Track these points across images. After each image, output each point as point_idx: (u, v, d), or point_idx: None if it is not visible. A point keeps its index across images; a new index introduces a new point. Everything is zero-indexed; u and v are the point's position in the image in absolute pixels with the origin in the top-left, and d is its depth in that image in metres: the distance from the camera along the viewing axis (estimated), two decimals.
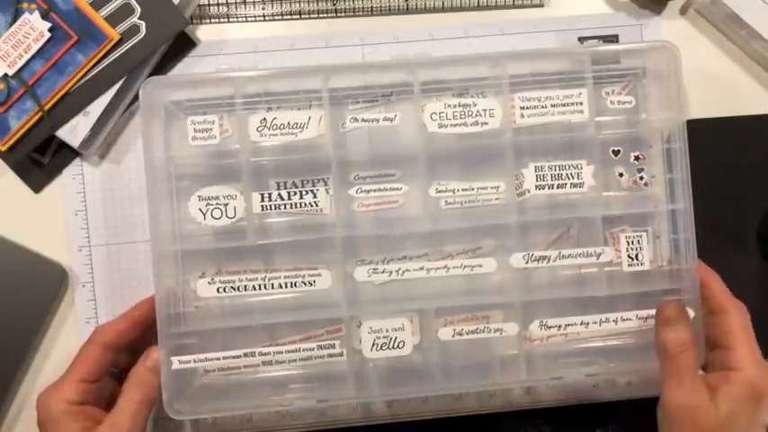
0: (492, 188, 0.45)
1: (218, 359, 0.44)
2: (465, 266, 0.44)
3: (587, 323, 0.45)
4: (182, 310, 0.45)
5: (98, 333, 0.43)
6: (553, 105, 0.45)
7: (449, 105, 0.44)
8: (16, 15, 0.45)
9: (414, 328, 0.45)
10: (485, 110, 0.45)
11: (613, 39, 0.50)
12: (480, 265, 0.44)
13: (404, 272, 0.45)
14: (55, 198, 0.49)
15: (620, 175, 0.47)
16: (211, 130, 0.45)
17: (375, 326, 0.44)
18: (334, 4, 0.50)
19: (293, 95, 0.46)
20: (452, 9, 0.50)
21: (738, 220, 0.50)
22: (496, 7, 0.50)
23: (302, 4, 0.50)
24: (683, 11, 0.51)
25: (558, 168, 0.45)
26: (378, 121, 0.45)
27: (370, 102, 0.47)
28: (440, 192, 0.45)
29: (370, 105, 0.47)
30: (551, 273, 0.46)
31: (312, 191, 0.45)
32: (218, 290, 0.44)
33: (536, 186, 0.45)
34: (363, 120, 0.45)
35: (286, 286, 0.44)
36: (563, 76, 0.46)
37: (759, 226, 0.50)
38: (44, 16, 0.45)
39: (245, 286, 0.44)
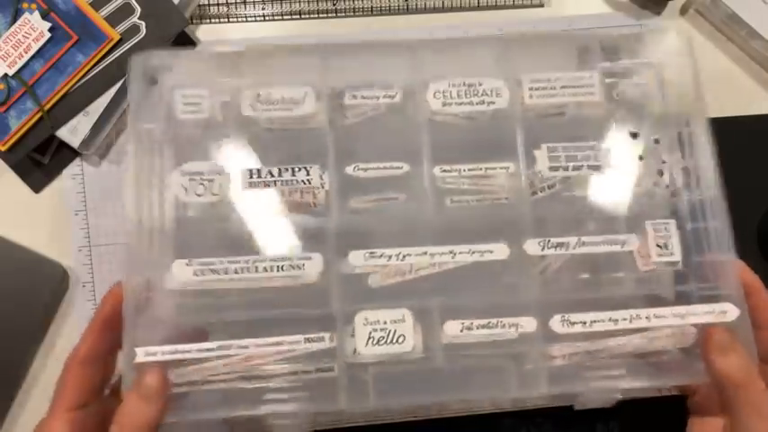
0: (501, 168, 0.41)
1: (190, 351, 0.38)
2: (474, 252, 0.39)
3: (616, 319, 0.39)
4: (153, 296, 0.39)
5: (71, 354, 0.37)
6: (563, 87, 0.42)
7: (453, 84, 0.42)
8: (16, 15, 0.45)
9: (417, 324, 0.39)
10: (491, 89, 0.42)
11: None
12: (491, 251, 0.39)
13: (404, 256, 0.39)
14: (55, 198, 0.49)
15: (641, 158, 0.43)
16: (200, 103, 0.42)
17: (371, 316, 0.38)
18: (334, 4, 0.50)
19: (290, 72, 0.43)
20: (452, 9, 0.50)
21: (738, 220, 0.50)
22: (496, 7, 0.50)
23: (302, 4, 0.50)
24: (683, 11, 0.51)
25: (573, 150, 0.42)
26: (378, 98, 0.42)
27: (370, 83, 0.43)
28: (445, 171, 0.41)
29: (371, 85, 0.43)
30: (572, 267, 0.41)
31: (305, 167, 0.41)
32: (195, 273, 0.39)
33: (549, 168, 0.41)
34: (363, 97, 0.42)
35: (272, 270, 0.39)
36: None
37: (759, 226, 0.50)
38: (44, 16, 0.45)
39: (226, 269, 0.39)
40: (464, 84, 0.42)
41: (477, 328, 0.39)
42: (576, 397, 0.41)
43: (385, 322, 0.39)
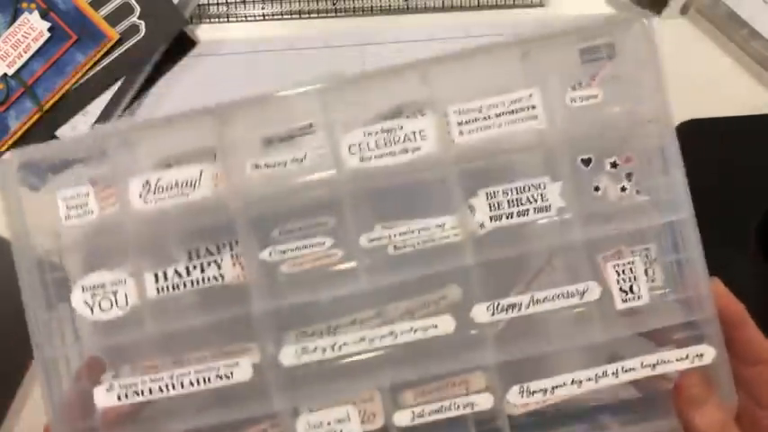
0: (437, 227, 0.35)
1: None
2: (416, 330, 0.35)
3: (580, 381, 0.35)
4: (84, 425, 0.36)
5: None
6: (498, 115, 0.36)
7: (369, 134, 0.35)
8: (16, 15, 0.45)
9: (363, 414, 0.35)
10: (414, 132, 0.35)
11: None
12: (435, 326, 0.35)
13: (341, 347, 0.35)
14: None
15: (596, 189, 0.37)
16: (86, 204, 0.36)
17: (313, 419, 0.35)
18: (334, 4, 0.50)
19: (181, 146, 0.37)
20: (452, 9, 0.50)
21: (738, 220, 0.50)
22: (496, 7, 0.50)
23: (302, 4, 0.50)
24: (684, 11, 0.51)
25: (515, 192, 0.36)
26: (285, 164, 0.36)
27: (271, 144, 0.37)
28: (373, 241, 0.36)
29: (274, 146, 0.37)
30: (529, 322, 0.36)
31: (216, 261, 0.36)
32: (118, 397, 0.36)
33: (491, 218, 0.36)
34: (267, 165, 0.36)
35: (198, 383, 0.35)
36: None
37: (759, 226, 0.50)
38: (43, 16, 0.45)
39: (150, 389, 0.35)
40: (381, 130, 0.36)
41: (430, 414, 0.35)
42: None
43: (329, 423, 0.36)
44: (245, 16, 0.50)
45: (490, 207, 0.36)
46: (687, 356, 0.34)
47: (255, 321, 0.35)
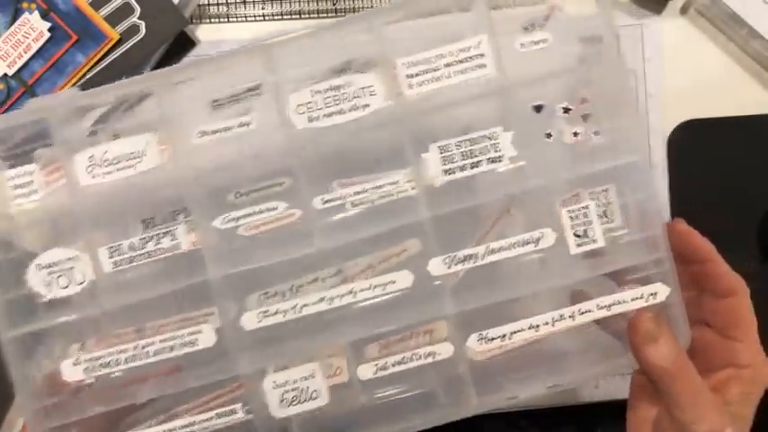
0: (390, 183, 0.35)
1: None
2: (375, 287, 0.35)
3: (537, 326, 0.35)
4: (52, 401, 0.36)
5: None
6: (447, 65, 0.35)
7: (317, 92, 0.35)
8: (16, 15, 0.45)
9: (328, 370, 0.36)
10: (362, 88, 0.35)
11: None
12: (393, 282, 0.35)
13: (301, 308, 0.35)
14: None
15: (548, 135, 0.37)
16: (32, 183, 0.36)
17: (279, 378, 0.36)
18: (334, 4, 0.50)
19: (125, 115, 0.37)
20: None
21: (738, 220, 0.50)
22: (497, 7, 0.50)
23: (302, 4, 0.50)
24: (684, 11, 0.51)
25: (467, 144, 0.35)
26: (230, 128, 0.35)
27: (220, 106, 0.37)
28: (328, 202, 0.36)
29: (222, 110, 0.37)
30: (489, 270, 0.36)
31: (171, 231, 0.36)
32: (85, 370, 0.36)
33: (444, 171, 0.35)
34: (213, 131, 0.36)
35: (163, 352, 0.36)
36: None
37: (759, 226, 0.50)
38: (44, 16, 0.45)
39: (117, 360, 0.36)
40: (329, 88, 0.35)
41: (393, 366, 0.36)
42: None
43: (295, 381, 0.36)
44: (246, 16, 0.50)
45: (443, 160, 0.35)
46: (642, 296, 0.35)
47: (214, 287, 0.35)
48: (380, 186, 0.35)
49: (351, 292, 0.35)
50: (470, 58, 0.35)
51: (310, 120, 0.35)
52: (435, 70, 0.35)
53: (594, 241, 0.35)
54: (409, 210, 0.35)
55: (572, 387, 0.38)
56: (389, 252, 0.36)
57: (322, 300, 0.35)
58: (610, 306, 0.35)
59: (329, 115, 0.35)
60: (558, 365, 0.37)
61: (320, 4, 0.50)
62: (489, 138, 0.35)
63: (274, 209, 0.36)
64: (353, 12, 0.50)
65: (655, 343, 0.33)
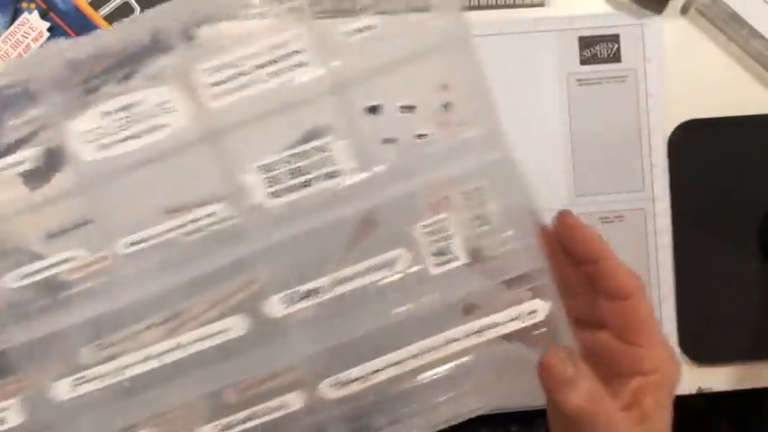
0: (206, 217, 0.30)
1: None
2: (205, 337, 0.30)
3: (398, 361, 0.30)
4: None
5: None
6: (259, 66, 0.29)
7: (106, 114, 0.29)
8: (15, 15, 0.45)
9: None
10: (158, 105, 0.29)
11: (614, 38, 0.50)
12: (226, 330, 0.30)
13: (124, 369, 0.30)
14: None
15: (387, 140, 0.31)
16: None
17: None
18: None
19: None
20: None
21: (738, 220, 0.50)
22: (497, 7, 0.50)
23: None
24: (684, 10, 0.51)
25: (296, 159, 0.30)
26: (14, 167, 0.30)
27: None
28: (134, 245, 0.30)
29: None
30: (340, 302, 0.31)
31: None
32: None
33: (271, 194, 0.30)
34: None
35: None
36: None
37: (759, 226, 0.50)
38: (43, 16, 0.45)
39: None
40: (120, 108, 0.29)
41: (239, 425, 0.30)
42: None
43: None
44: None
45: (268, 182, 0.30)
46: (519, 316, 0.30)
47: (13, 355, 0.30)
48: (197, 220, 0.30)
49: (179, 347, 0.30)
50: (287, 55, 0.30)
51: (101, 148, 0.29)
52: (244, 74, 0.29)
53: (456, 258, 0.30)
54: (240, 242, 0.30)
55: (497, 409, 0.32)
56: (222, 294, 0.31)
57: (148, 358, 0.30)
58: (481, 332, 0.30)
59: (123, 141, 0.29)
60: (465, 388, 0.32)
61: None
62: (321, 150, 0.30)
63: (74, 259, 0.30)
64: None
65: (572, 386, 0.30)
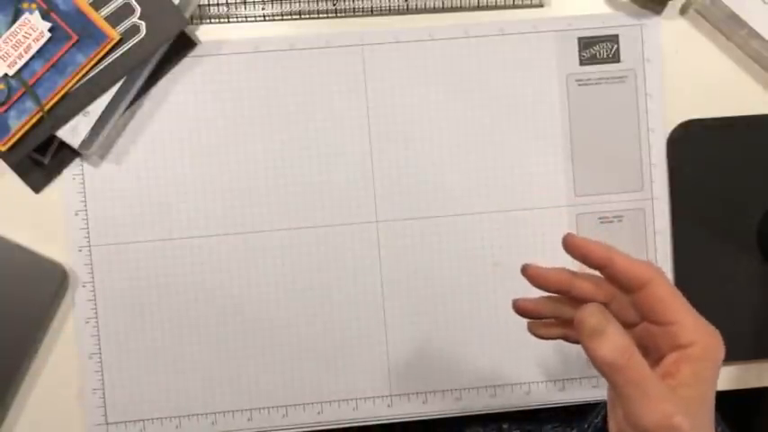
0: None
1: None
2: None
3: None
4: None
5: None
6: None
7: None
8: (16, 15, 0.45)
9: None
10: None
11: (613, 38, 0.50)
12: None
13: None
14: (55, 198, 0.49)
15: None
16: None
17: None
18: (334, 4, 0.50)
19: None
20: (452, 9, 0.50)
21: (738, 220, 0.50)
22: (496, 7, 0.50)
23: (302, 4, 0.50)
24: (683, 11, 0.51)
25: None
26: None
27: None
28: None
29: None
30: None
31: None
32: None
33: None
34: None
35: None
36: None
37: (759, 226, 0.50)
38: (44, 16, 0.45)
39: None
40: None
41: None
42: None
43: None
44: (246, 17, 0.50)
45: None
46: None
47: None
48: None
49: None
50: None
51: None
52: None
53: None
54: None
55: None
56: None
57: None
58: None
59: None
60: None
61: (320, 4, 0.50)
62: None
63: None
64: (353, 12, 0.50)
65: (601, 337, 0.33)
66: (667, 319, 0.34)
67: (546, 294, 0.38)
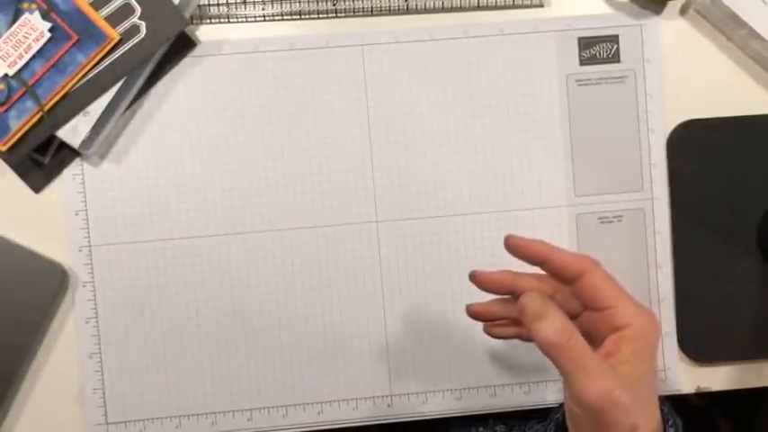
0: None
1: None
2: None
3: None
4: None
5: None
6: None
7: None
8: (16, 15, 0.45)
9: None
10: None
11: (613, 38, 0.50)
12: None
13: None
14: (55, 198, 0.49)
15: None
16: None
17: None
18: (334, 4, 0.50)
19: None
20: (452, 9, 0.50)
21: (738, 220, 0.50)
22: (496, 7, 0.50)
23: (302, 4, 0.50)
24: (683, 11, 0.51)
25: None
26: None
27: None
28: None
29: None
30: None
31: None
32: None
33: None
34: None
35: None
36: None
37: (759, 226, 0.50)
38: (44, 16, 0.45)
39: None
40: None
41: None
42: None
43: None
44: (246, 17, 0.50)
45: None
46: None
47: None
48: None
49: None
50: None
51: None
52: None
53: None
54: None
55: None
56: None
57: None
58: None
59: None
60: None
61: (320, 4, 0.50)
62: None
63: None
64: (353, 12, 0.50)
65: (542, 319, 0.35)
66: (604, 304, 0.36)
67: (496, 297, 0.40)
